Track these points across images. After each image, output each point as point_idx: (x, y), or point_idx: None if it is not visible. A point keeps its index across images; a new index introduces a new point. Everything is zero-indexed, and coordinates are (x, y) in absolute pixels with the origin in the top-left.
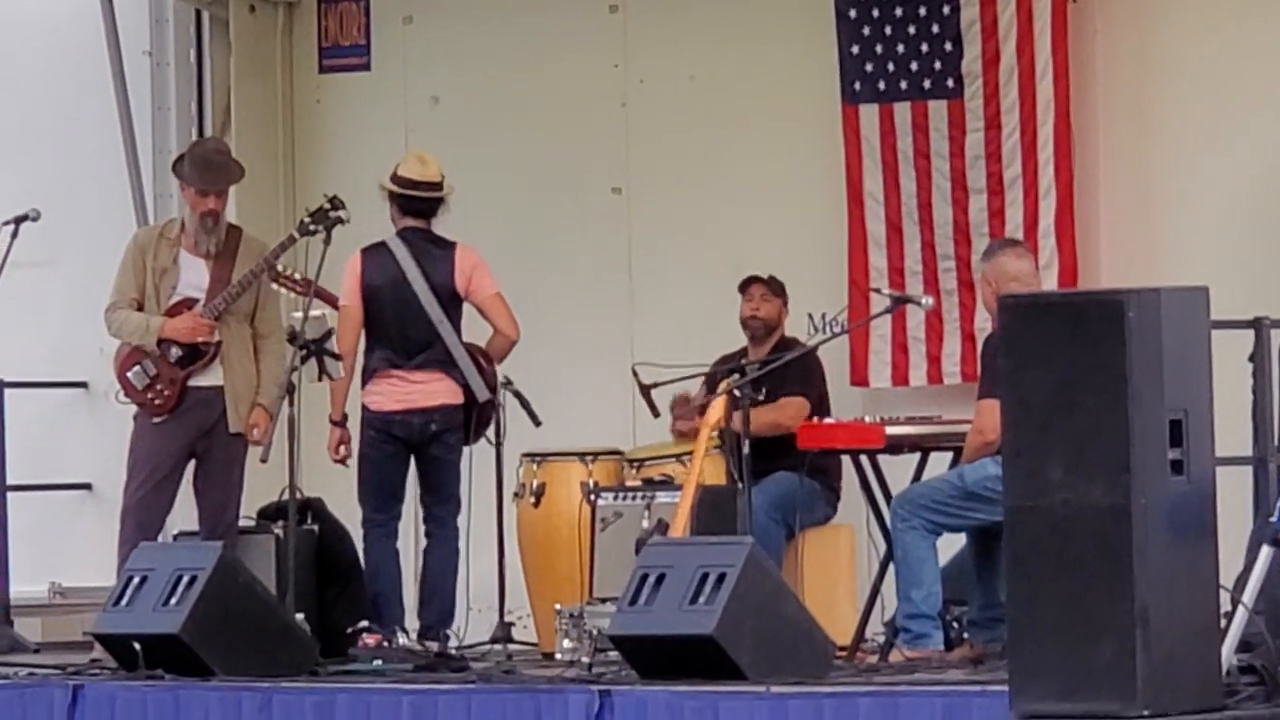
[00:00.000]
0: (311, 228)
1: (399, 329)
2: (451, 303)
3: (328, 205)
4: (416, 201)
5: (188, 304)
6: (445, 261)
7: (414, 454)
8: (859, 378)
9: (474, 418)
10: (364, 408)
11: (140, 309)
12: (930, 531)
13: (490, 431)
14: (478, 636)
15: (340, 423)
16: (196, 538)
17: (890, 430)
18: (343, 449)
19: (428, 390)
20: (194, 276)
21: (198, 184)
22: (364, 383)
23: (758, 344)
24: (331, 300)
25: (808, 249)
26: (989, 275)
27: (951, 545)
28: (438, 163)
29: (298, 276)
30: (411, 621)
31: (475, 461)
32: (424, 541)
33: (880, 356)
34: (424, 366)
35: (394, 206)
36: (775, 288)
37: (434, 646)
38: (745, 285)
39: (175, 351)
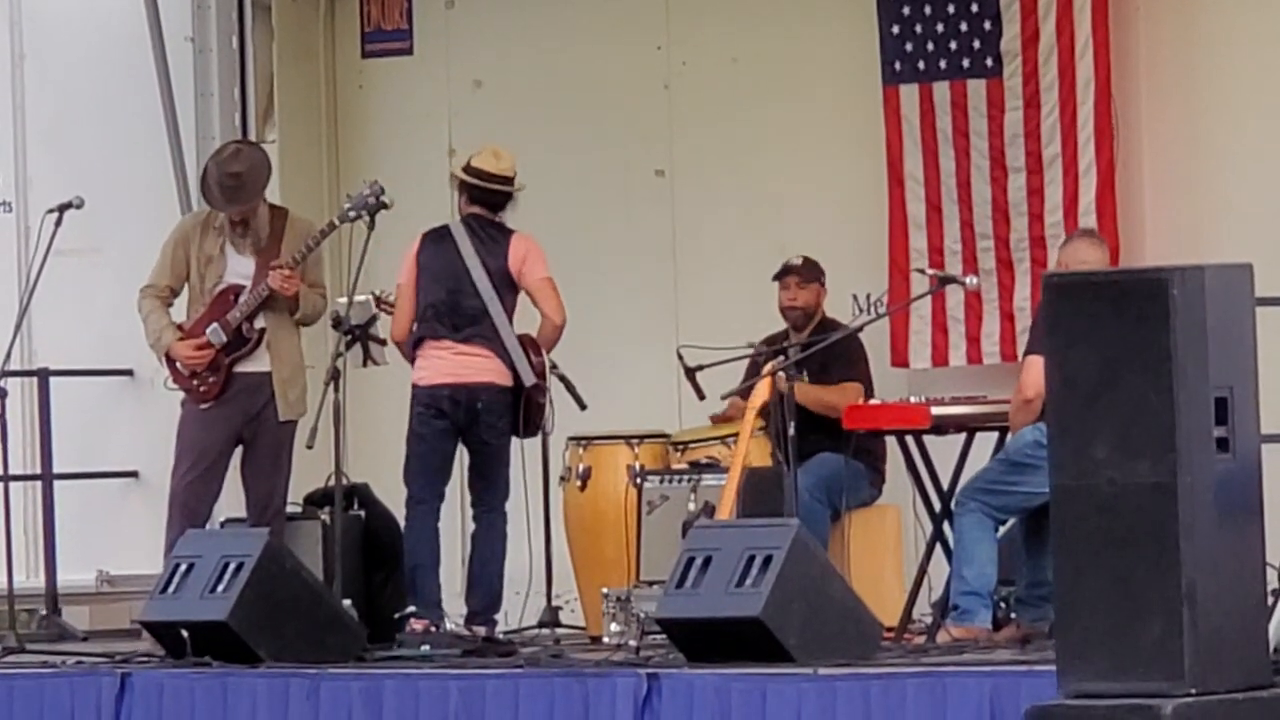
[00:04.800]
0: (351, 214)
1: (450, 304)
2: (504, 285)
3: (367, 191)
4: (485, 193)
5: (234, 291)
6: (501, 246)
7: (462, 436)
8: (899, 359)
9: (523, 408)
10: (413, 385)
11: (174, 295)
12: (986, 515)
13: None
14: (525, 621)
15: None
16: (243, 524)
17: (936, 411)
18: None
19: (474, 365)
20: (240, 265)
21: (218, 208)
22: (413, 357)
23: (799, 330)
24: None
25: (849, 230)
26: (1063, 260)
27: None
28: (512, 159)
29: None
30: (455, 605)
31: (521, 445)
32: (472, 526)
33: (920, 337)
34: (471, 340)
35: (463, 196)
36: (810, 273)
37: (480, 631)
38: (780, 275)
39: (220, 338)
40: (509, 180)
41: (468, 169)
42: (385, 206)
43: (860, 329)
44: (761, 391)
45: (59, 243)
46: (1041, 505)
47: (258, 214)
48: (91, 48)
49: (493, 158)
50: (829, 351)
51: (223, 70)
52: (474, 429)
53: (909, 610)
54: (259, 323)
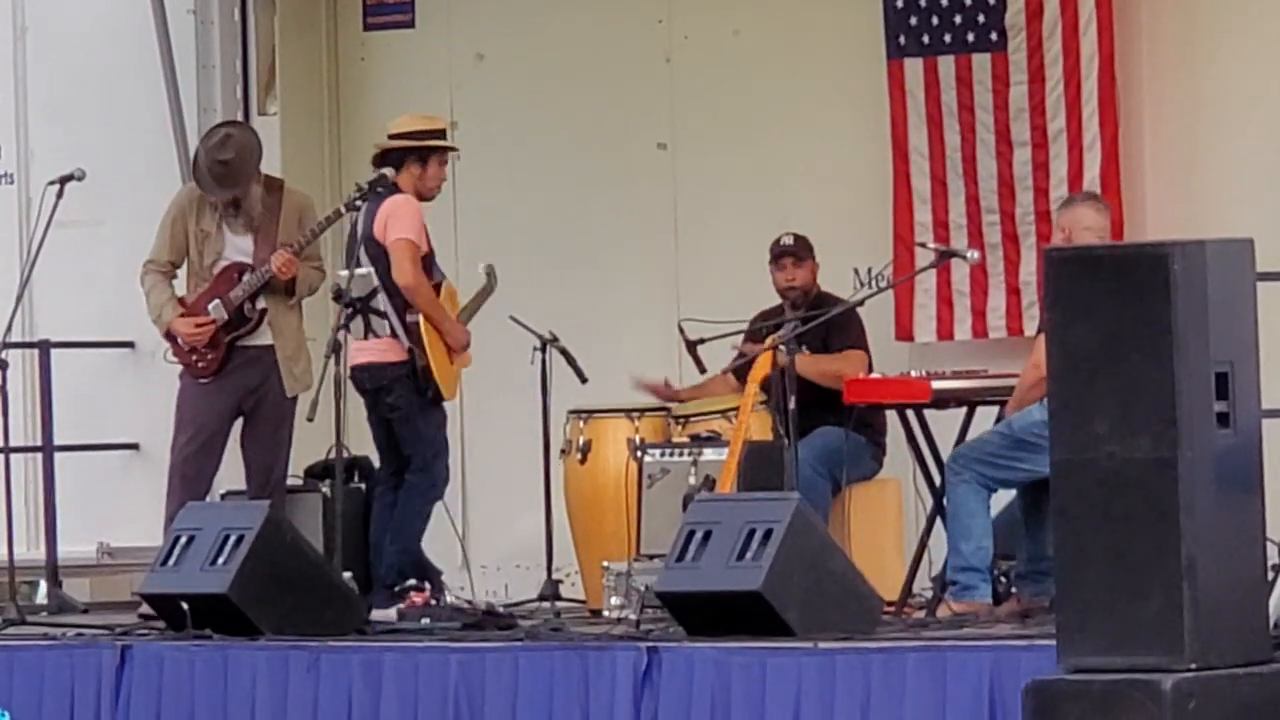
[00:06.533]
0: (359, 203)
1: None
2: (379, 253)
3: (377, 182)
4: (377, 158)
5: (237, 268)
6: (374, 210)
7: None
8: (904, 332)
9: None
10: None
11: (176, 269)
12: (982, 485)
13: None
14: (525, 594)
15: None
16: (244, 497)
17: (936, 385)
18: None
19: (364, 346)
20: (238, 242)
21: (210, 193)
22: None
23: (796, 309)
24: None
25: (853, 204)
26: (1063, 223)
27: (1001, 501)
28: (407, 117)
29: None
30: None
31: (521, 418)
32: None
33: (925, 311)
34: (356, 317)
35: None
36: (803, 250)
37: (400, 606)
38: (776, 257)
39: (222, 315)
40: (393, 136)
41: None
42: (386, 183)
43: (860, 303)
44: (762, 365)
45: (60, 215)
46: (1042, 480)
47: (249, 194)
48: (93, 20)
49: (391, 123)
50: (828, 325)
51: (225, 42)
52: (377, 407)
53: (909, 584)
54: (260, 303)
